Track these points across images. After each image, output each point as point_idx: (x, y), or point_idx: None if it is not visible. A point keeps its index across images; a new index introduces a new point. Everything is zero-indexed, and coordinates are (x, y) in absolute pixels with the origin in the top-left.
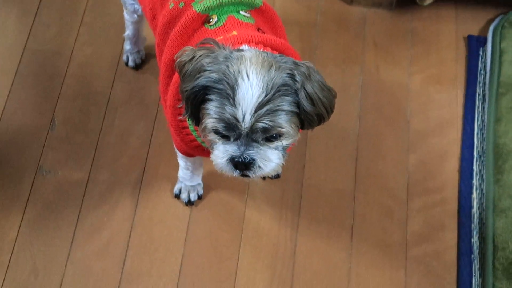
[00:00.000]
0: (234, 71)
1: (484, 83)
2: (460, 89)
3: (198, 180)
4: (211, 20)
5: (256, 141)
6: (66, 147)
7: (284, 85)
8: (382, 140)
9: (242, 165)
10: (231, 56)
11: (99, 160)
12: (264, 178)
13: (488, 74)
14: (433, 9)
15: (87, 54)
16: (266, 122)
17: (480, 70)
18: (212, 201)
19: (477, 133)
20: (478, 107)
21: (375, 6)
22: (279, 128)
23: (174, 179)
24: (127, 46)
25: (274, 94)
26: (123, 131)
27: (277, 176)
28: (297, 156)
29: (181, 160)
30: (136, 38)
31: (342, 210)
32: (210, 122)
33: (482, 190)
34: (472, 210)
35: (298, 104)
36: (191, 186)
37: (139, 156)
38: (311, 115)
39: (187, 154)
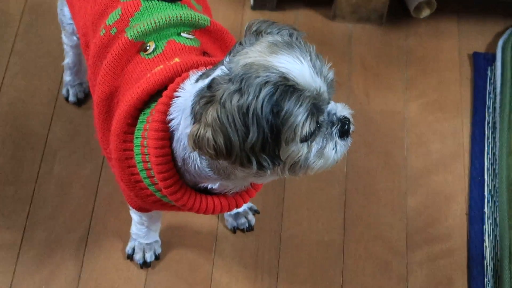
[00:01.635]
0: (264, 67)
1: (494, 109)
2: (466, 117)
3: (155, 236)
4: (147, 47)
5: (329, 102)
6: None
7: None
8: (375, 180)
9: (350, 124)
10: (239, 74)
11: (35, 216)
12: (234, 231)
13: (498, 98)
14: (431, 22)
15: (19, 88)
16: (328, 70)
17: (489, 93)
18: (173, 261)
19: (487, 169)
20: (488, 138)
21: (362, 21)
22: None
23: (126, 236)
24: (67, 77)
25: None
26: (64, 180)
27: (250, 228)
28: (274, 202)
29: (135, 214)
30: (78, 67)
31: (330, 266)
32: (307, 124)
33: (495, 236)
34: (485, 261)
35: None
36: (147, 244)
37: (83, 209)
38: None
39: (143, 209)
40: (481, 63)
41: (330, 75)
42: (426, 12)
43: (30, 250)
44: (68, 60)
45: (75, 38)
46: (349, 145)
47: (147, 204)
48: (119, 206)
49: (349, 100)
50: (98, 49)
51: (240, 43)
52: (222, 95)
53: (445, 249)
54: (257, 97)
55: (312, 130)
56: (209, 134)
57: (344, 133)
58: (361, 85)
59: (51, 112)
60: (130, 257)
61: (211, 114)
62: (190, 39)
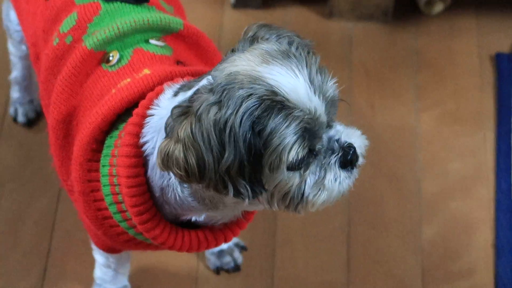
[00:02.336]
0: (250, 77)
1: None
2: (489, 129)
3: (123, 281)
4: (110, 58)
5: (331, 125)
6: None
7: None
8: (383, 207)
9: (354, 154)
10: (222, 84)
11: None
12: (218, 272)
13: None
14: (444, 19)
15: None
16: (330, 87)
17: None
18: None
19: None
20: None
21: (363, 18)
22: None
23: (89, 281)
24: (15, 94)
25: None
26: (14, 216)
27: (237, 268)
28: (264, 236)
29: (100, 256)
30: (28, 81)
31: None
32: (295, 149)
33: None
34: None
35: None
36: None
37: (37, 250)
38: None
39: (111, 250)
40: (505, 66)
41: (332, 93)
42: (438, 7)
43: None
44: (16, 73)
45: (24, 47)
46: (356, 177)
47: (118, 243)
48: (80, 245)
49: (350, 113)
50: (51, 61)
51: (233, 50)
52: (199, 107)
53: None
54: (237, 111)
55: (300, 157)
56: (179, 151)
57: (346, 163)
58: (364, 95)
59: None
60: None
61: (184, 128)
62: (161, 46)
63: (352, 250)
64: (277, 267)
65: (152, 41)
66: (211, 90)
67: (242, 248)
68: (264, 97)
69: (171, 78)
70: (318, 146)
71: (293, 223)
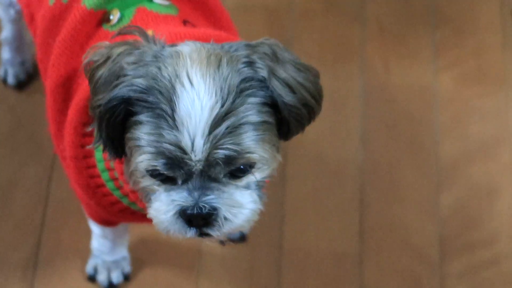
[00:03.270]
0: (169, 75)
1: None
2: None
3: (122, 252)
4: (111, 17)
5: (216, 180)
6: None
7: (245, 80)
8: (398, 173)
9: (199, 219)
10: (162, 54)
11: None
12: (223, 242)
13: None
14: None
15: None
16: (228, 146)
17: None
18: (146, 283)
19: None
20: None
21: None
22: (249, 155)
23: (86, 252)
24: (5, 54)
25: (234, 100)
26: (4, 185)
27: (243, 239)
28: (272, 206)
29: (95, 226)
30: (19, 41)
31: (345, 284)
32: (142, 159)
33: None
34: None
35: (271, 103)
36: (112, 261)
37: (30, 221)
38: (297, 107)
39: (106, 222)
40: None
41: (224, 153)
42: None
43: None
44: (6, 33)
45: (12, 12)
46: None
47: (112, 214)
48: (76, 215)
49: (363, 72)
50: (49, 23)
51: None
52: (137, 46)
53: (489, 257)
54: (136, 76)
55: (151, 168)
56: (97, 66)
57: (189, 222)
58: (378, 54)
59: None
60: (92, 278)
61: (116, 51)
62: (165, 5)
63: (366, 218)
64: (286, 238)
65: (156, 0)
66: (154, 43)
67: None
68: (159, 94)
69: (175, 40)
70: (177, 175)
71: (302, 191)
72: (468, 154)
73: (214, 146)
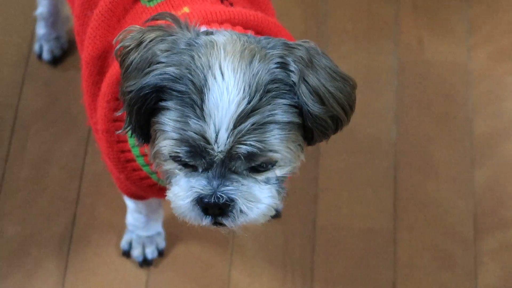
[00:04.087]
0: (202, 65)
1: None
2: None
3: (157, 227)
4: None
5: (236, 172)
6: None
7: (274, 81)
8: (432, 150)
9: (216, 208)
10: (196, 43)
11: (4, 207)
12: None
13: None
14: None
15: None
16: (251, 143)
17: None
18: (180, 259)
19: None
20: None
21: None
22: (271, 153)
23: (121, 228)
24: (40, 30)
25: (261, 99)
26: (40, 160)
27: (277, 215)
28: (305, 182)
29: (129, 201)
30: (55, 17)
31: (378, 260)
32: (166, 144)
33: None
34: None
35: (298, 106)
36: (147, 237)
37: (65, 196)
38: (322, 119)
39: (137, 196)
40: None
41: (247, 148)
42: None
43: (0, 249)
44: (42, 9)
45: None
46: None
47: (142, 189)
48: (111, 190)
49: (397, 49)
50: None
51: None
52: (154, 45)
53: None
54: (168, 65)
55: (173, 154)
56: (129, 50)
57: (205, 210)
58: (411, 30)
59: (21, 74)
60: (127, 253)
61: (148, 37)
62: None
63: (399, 195)
64: (319, 214)
65: None
66: (188, 30)
67: None
68: (190, 84)
69: (210, 20)
70: (198, 164)
71: (336, 168)
72: (502, 130)
73: (238, 140)
